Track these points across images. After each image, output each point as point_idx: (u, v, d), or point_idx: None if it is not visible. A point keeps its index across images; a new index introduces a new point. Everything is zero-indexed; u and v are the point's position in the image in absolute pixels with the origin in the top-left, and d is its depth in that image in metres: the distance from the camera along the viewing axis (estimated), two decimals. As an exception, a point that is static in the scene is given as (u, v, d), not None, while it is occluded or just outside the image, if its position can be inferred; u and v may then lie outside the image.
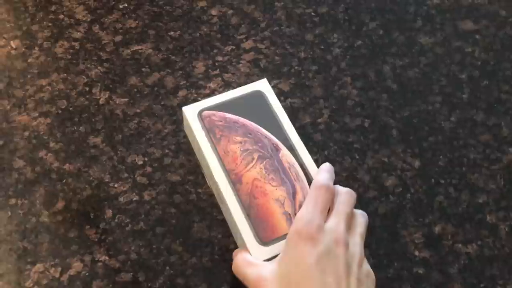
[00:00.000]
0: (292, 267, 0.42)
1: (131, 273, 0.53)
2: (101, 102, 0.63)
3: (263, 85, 0.53)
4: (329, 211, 0.45)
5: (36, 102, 0.62)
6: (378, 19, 0.71)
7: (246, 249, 0.46)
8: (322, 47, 0.68)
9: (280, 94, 0.64)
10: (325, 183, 0.46)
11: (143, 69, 0.65)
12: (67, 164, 0.59)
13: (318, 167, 0.49)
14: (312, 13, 0.71)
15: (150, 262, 0.53)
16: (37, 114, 0.62)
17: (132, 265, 0.53)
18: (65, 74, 0.65)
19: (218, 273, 0.53)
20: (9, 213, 0.56)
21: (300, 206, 0.47)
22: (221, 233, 0.55)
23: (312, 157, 0.52)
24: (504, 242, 0.56)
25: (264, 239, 0.46)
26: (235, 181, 0.48)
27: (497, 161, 0.61)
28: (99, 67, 0.65)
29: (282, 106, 0.63)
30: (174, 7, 0.71)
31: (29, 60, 0.65)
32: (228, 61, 0.66)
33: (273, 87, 0.65)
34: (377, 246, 0.55)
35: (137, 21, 0.69)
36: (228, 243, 0.54)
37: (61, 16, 0.69)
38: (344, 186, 0.49)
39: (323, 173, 0.47)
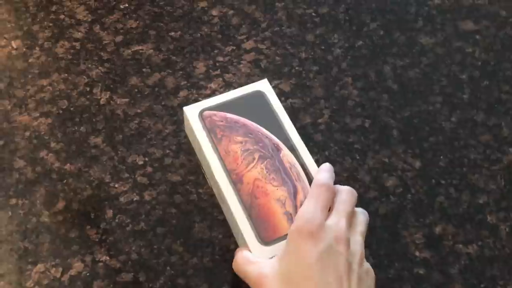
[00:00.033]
0: (293, 264, 0.42)
1: (132, 273, 0.53)
2: (101, 102, 0.63)
3: (263, 85, 0.53)
4: (329, 210, 0.45)
5: (37, 102, 0.62)
6: (378, 20, 0.71)
7: (247, 248, 0.46)
8: (323, 47, 0.68)
9: (280, 94, 0.64)
10: (326, 182, 0.46)
11: (144, 70, 0.65)
12: (68, 164, 0.59)
13: (318, 167, 0.49)
14: (313, 14, 0.71)
15: (151, 262, 0.54)
16: (38, 114, 0.62)
17: (133, 265, 0.53)
18: (66, 74, 0.65)
19: (219, 273, 0.53)
20: (10, 213, 0.56)
21: (301, 207, 0.47)
22: (222, 233, 0.55)
23: (312, 158, 0.52)
24: (505, 242, 0.56)
25: (266, 239, 0.46)
26: (236, 181, 0.48)
27: (497, 161, 0.61)
28: (100, 67, 0.65)
29: (283, 106, 0.63)
30: (174, 7, 0.71)
31: (30, 60, 0.65)
32: (229, 61, 0.66)
33: (273, 87, 0.65)
34: (377, 247, 0.55)
35: (138, 22, 0.69)
36: (229, 243, 0.55)
37: (62, 16, 0.69)
38: (345, 186, 0.49)
39: (324, 172, 0.47)
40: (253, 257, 0.45)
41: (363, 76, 0.66)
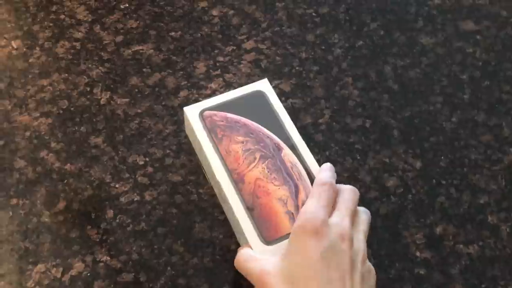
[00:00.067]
0: (297, 261, 0.42)
1: (133, 274, 0.53)
2: (102, 102, 0.63)
3: (264, 85, 0.53)
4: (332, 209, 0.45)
5: (37, 102, 0.62)
6: (379, 20, 0.71)
7: (249, 247, 0.46)
8: (323, 47, 0.68)
9: (281, 94, 0.64)
10: (328, 181, 0.46)
11: (144, 70, 0.65)
12: (68, 164, 0.59)
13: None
14: (313, 14, 0.71)
15: (152, 262, 0.53)
16: (38, 114, 0.62)
17: (134, 265, 0.53)
18: (66, 74, 0.65)
19: (220, 273, 0.53)
20: (11, 213, 0.56)
21: (303, 205, 0.47)
22: (222, 234, 0.55)
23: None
24: (506, 242, 0.56)
25: (268, 238, 0.46)
26: (237, 181, 0.48)
27: (498, 161, 0.61)
28: (100, 67, 0.65)
29: (283, 106, 0.63)
30: (175, 7, 0.71)
31: (30, 60, 0.65)
32: (229, 61, 0.66)
33: (274, 87, 0.65)
34: (378, 247, 0.55)
35: (138, 22, 0.69)
36: (229, 244, 0.54)
37: (62, 16, 0.69)
38: (346, 186, 0.49)
39: (325, 171, 0.47)
40: (255, 254, 0.45)
41: (364, 76, 0.66)
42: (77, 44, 0.67)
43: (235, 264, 0.46)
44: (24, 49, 0.66)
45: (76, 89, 0.64)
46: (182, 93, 0.64)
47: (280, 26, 0.70)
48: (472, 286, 0.53)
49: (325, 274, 0.41)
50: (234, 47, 0.67)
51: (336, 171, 0.59)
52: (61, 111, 0.62)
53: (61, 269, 0.53)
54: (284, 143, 0.50)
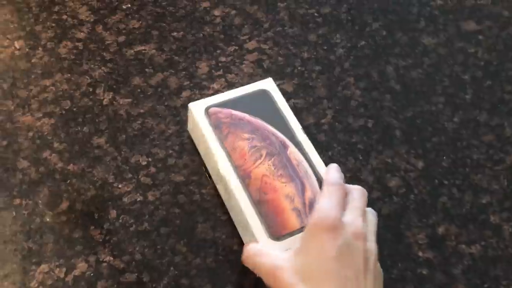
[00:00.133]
0: (312, 258, 0.42)
1: (136, 274, 0.53)
2: (104, 102, 0.63)
3: (268, 84, 0.53)
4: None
5: (40, 102, 0.63)
6: (381, 20, 0.71)
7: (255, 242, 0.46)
8: (325, 47, 0.68)
9: (283, 94, 0.64)
10: (338, 181, 0.46)
11: (147, 70, 0.65)
12: (71, 164, 0.59)
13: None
14: (315, 14, 0.71)
15: (155, 262, 0.54)
16: (41, 115, 0.62)
17: (137, 265, 0.53)
18: (69, 75, 0.65)
19: (222, 273, 0.53)
20: (14, 213, 0.56)
21: (310, 203, 0.47)
22: (225, 234, 0.55)
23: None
24: (508, 242, 0.56)
25: (275, 234, 0.46)
26: (244, 177, 0.48)
27: (500, 161, 0.61)
28: (102, 68, 0.65)
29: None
30: (177, 7, 0.71)
31: (32, 61, 0.65)
32: (232, 61, 0.66)
33: (276, 87, 0.65)
34: (380, 247, 0.55)
35: (140, 22, 0.69)
36: (232, 244, 0.55)
37: (65, 17, 0.69)
38: (349, 187, 0.50)
39: (334, 172, 0.47)
40: (265, 249, 0.45)
41: (366, 76, 0.66)
42: (80, 45, 0.67)
43: (242, 258, 0.46)
44: (27, 50, 0.66)
45: (79, 89, 0.64)
46: (185, 93, 0.64)
47: (282, 26, 0.70)
48: (475, 286, 0.54)
49: (341, 272, 0.41)
50: (236, 47, 0.67)
51: (338, 171, 0.59)
52: (63, 112, 0.62)
53: (64, 269, 0.53)
54: (290, 141, 0.50)
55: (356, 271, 0.41)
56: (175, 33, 0.68)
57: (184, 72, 0.65)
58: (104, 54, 0.66)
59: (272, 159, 0.49)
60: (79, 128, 0.61)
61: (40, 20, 0.69)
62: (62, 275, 0.53)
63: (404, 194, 0.58)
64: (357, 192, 0.46)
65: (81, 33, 0.68)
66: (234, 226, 0.55)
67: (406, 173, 0.60)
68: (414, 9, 0.72)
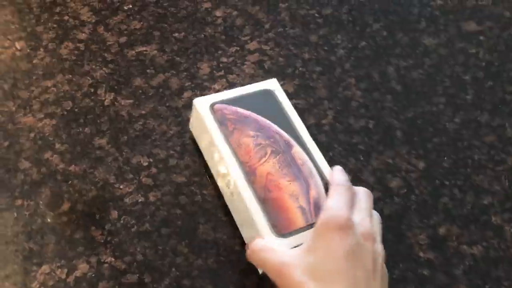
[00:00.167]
0: (322, 256, 0.41)
1: (137, 275, 0.53)
2: (106, 103, 0.63)
3: (273, 84, 0.53)
4: None
5: (41, 103, 0.63)
6: (382, 20, 0.71)
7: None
8: (326, 48, 0.68)
9: (284, 95, 0.64)
10: (345, 182, 0.46)
11: (148, 71, 0.65)
12: (73, 165, 0.59)
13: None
14: (316, 15, 0.71)
15: (156, 263, 0.54)
16: (43, 116, 0.62)
17: (138, 266, 0.53)
18: (70, 75, 0.65)
19: (224, 274, 0.53)
20: (15, 214, 0.56)
21: (315, 202, 0.47)
22: (226, 234, 0.55)
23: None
24: (509, 243, 0.56)
25: (280, 231, 0.45)
26: (249, 173, 0.48)
27: (501, 162, 0.61)
28: (104, 68, 0.65)
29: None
30: (178, 8, 0.71)
31: (34, 61, 0.66)
32: (233, 62, 0.66)
33: (277, 88, 0.65)
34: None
35: (141, 22, 0.69)
36: (233, 245, 0.55)
37: (66, 17, 0.69)
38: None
39: (340, 174, 0.47)
40: (273, 245, 0.44)
41: (367, 77, 0.66)
42: (81, 45, 0.67)
43: (248, 253, 0.46)
44: (28, 50, 0.66)
45: (80, 90, 0.64)
46: (186, 94, 0.64)
47: (283, 27, 0.70)
48: (476, 287, 0.54)
49: (351, 272, 0.41)
50: (238, 48, 0.68)
51: (339, 172, 0.59)
52: (65, 112, 0.62)
53: (65, 270, 0.53)
54: (295, 141, 0.50)
55: (366, 271, 0.41)
56: (176, 34, 0.68)
57: (185, 73, 0.65)
58: (106, 55, 0.66)
59: (277, 157, 0.49)
60: (80, 129, 0.61)
61: (42, 21, 0.69)
62: (63, 276, 0.53)
63: (405, 194, 0.58)
64: (363, 193, 0.47)
65: (83, 34, 0.68)
66: (236, 227, 0.55)
67: (407, 174, 0.60)
68: (415, 9, 0.72)
